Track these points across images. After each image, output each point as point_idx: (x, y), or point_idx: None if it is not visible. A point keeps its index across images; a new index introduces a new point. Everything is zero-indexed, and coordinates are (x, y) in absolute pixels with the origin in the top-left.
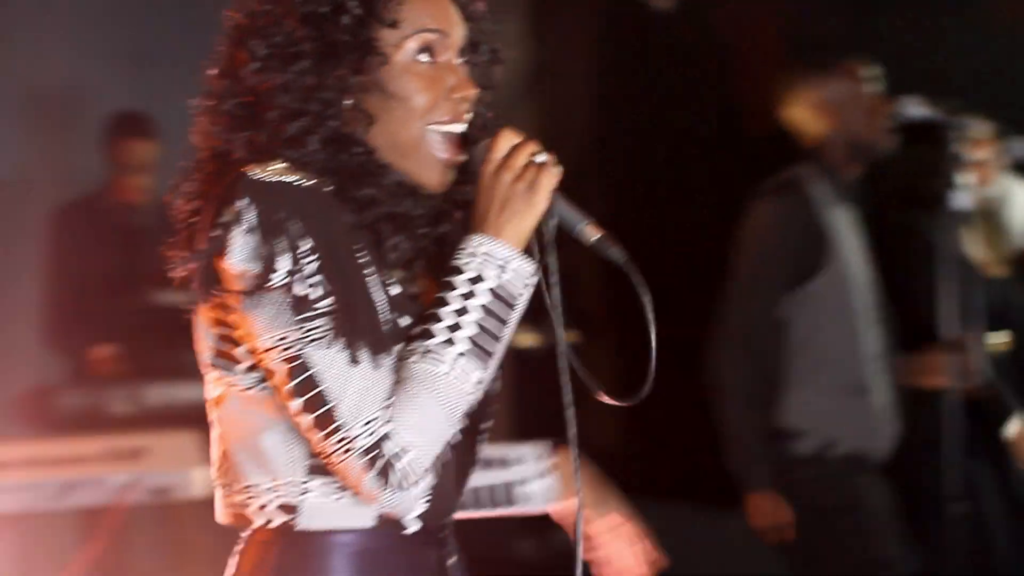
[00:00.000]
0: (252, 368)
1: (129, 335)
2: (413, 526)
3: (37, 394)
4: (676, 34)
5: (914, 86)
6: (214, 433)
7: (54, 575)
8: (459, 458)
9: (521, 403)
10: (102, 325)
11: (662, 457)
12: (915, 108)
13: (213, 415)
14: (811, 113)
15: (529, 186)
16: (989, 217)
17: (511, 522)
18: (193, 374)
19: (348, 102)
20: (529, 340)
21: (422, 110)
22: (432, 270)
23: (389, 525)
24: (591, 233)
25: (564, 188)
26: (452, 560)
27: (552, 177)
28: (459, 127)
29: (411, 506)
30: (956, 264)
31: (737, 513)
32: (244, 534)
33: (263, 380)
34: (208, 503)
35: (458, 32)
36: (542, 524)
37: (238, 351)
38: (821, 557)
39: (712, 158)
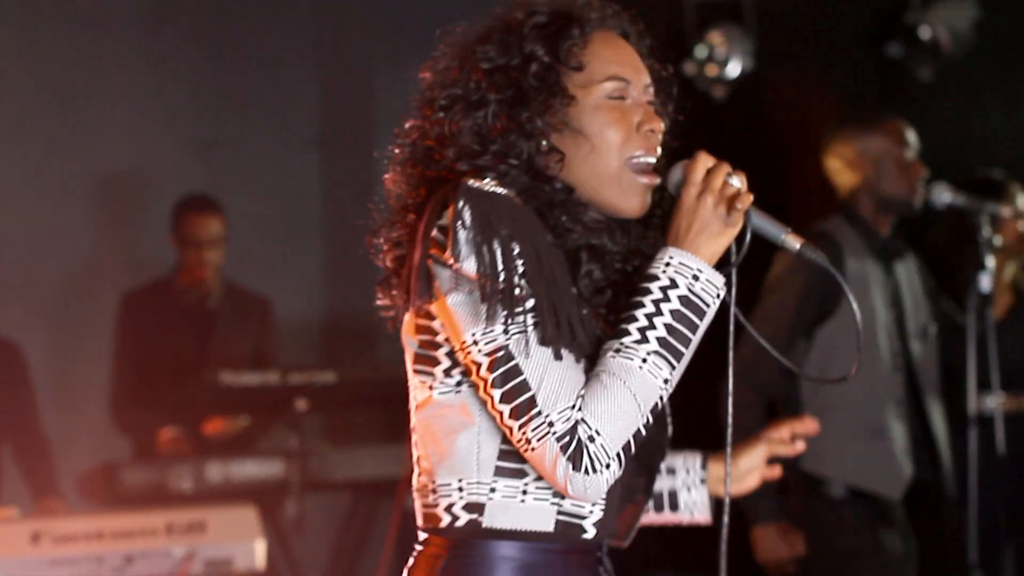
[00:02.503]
0: (449, 372)
1: (191, 414)
2: (590, 532)
3: (103, 470)
4: (730, 121)
5: (953, 162)
6: (413, 439)
7: None
8: (630, 482)
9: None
10: (167, 407)
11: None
12: (944, 194)
13: (413, 421)
14: (847, 164)
15: (728, 210)
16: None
17: None
18: (251, 451)
19: (543, 143)
20: None
21: (617, 144)
22: (615, 306)
23: (567, 530)
24: (793, 242)
25: None
26: None
27: (748, 200)
28: (651, 158)
29: (600, 490)
30: (981, 340)
31: None
32: (420, 540)
33: (459, 384)
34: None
35: (642, 77)
36: None
37: (439, 353)
38: None
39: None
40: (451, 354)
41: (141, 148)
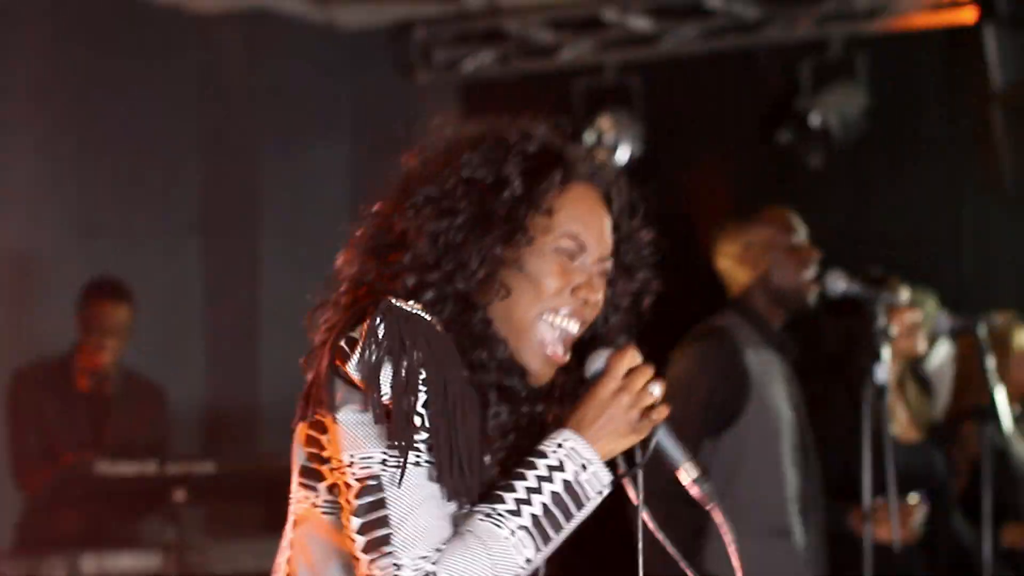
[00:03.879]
0: (332, 490)
1: (69, 502)
2: None
3: None
4: None
5: (845, 249)
6: (284, 557)
7: None
8: None
9: None
10: (42, 495)
11: None
12: (839, 282)
13: (291, 535)
14: (737, 261)
15: (640, 416)
16: (913, 383)
17: None
18: (126, 543)
19: (485, 272)
20: None
21: (547, 295)
22: (515, 449)
23: None
24: (691, 471)
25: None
26: None
27: (662, 413)
28: (574, 326)
29: None
30: (876, 436)
31: None
32: None
33: (337, 503)
34: None
35: (602, 246)
36: None
37: (324, 468)
38: None
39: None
40: (332, 469)
41: (27, 228)
